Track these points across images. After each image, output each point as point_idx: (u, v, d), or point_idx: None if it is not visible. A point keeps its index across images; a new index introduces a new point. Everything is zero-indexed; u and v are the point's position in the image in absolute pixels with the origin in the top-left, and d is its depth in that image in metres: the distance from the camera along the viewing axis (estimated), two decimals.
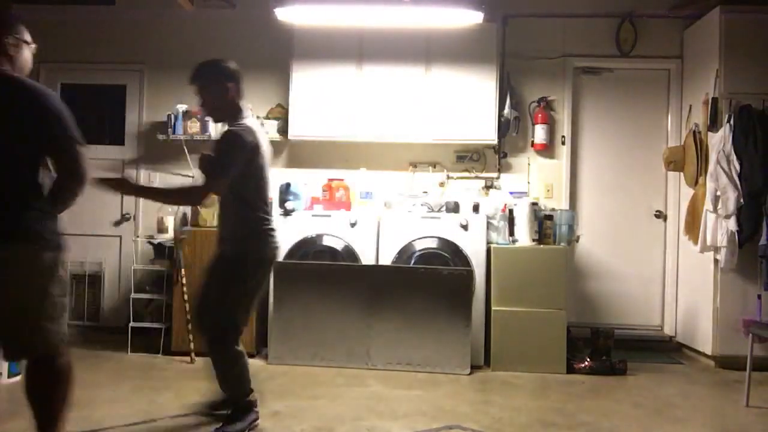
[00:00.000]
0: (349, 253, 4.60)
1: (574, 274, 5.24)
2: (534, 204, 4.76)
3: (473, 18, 4.47)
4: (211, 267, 3.11)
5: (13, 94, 2.32)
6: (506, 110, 5.15)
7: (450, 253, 4.51)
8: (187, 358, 4.45)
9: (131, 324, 4.68)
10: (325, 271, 4.48)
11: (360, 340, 4.39)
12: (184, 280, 4.51)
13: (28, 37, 2.50)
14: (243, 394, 3.06)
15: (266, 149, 3.09)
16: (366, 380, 4.10)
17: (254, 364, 4.45)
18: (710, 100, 4.67)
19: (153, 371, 4.23)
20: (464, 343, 4.34)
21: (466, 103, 4.96)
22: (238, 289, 3.01)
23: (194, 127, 5.18)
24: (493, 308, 4.48)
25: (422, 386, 4.00)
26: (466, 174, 5.28)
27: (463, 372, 4.30)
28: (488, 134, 5.00)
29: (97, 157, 5.53)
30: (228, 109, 3.05)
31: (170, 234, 4.76)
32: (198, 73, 3.04)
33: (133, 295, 4.79)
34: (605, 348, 4.52)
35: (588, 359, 4.43)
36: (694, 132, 4.87)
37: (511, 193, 5.05)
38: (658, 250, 5.37)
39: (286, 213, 4.68)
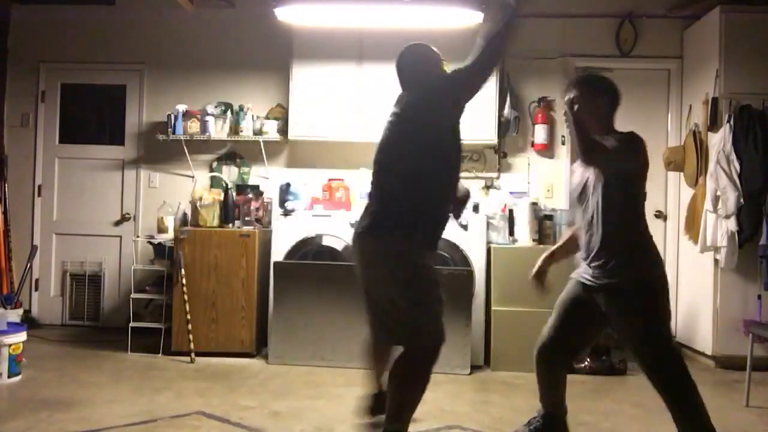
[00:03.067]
0: (349, 253, 4.59)
1: None
2: (534, 204, 4.76)
3: (473, 18, 4.47)
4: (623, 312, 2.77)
5: None
6: (506, 110, 5.15)
7: (450, 253, 4.51)
8: (187, 358, 4.45)
9: (131, 324, 4.68)
10: (325, 271, 4.48)
11: (360, 340, 4.37)
12: (184, 280, 4.51)
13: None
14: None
15: None
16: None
17: (254, 364, 4.47)
18: (710, 100, 4.67)
19: (153, 371, 4.22)
20: (464, 343, 4.33)
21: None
22: (663, 324, 2.80)
23: (194, 127, 5.18)
24: (493, 308, 4.48)
25: None
26: (466, 174, 5.26)
27: (463, 372, 4.30)
28: (488, 134, 5.00)
29: (97, 157, 5.57)
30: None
31: (170, 234, 4.76)
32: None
33: (133, 295, 4.79)
34: (605, 348, 4.51)
35: (588, 359, 4.43)
36: (694, 132, 4.87)
37: (511, 193, 5.04)
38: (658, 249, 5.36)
39: (286, 213, 4.69)
